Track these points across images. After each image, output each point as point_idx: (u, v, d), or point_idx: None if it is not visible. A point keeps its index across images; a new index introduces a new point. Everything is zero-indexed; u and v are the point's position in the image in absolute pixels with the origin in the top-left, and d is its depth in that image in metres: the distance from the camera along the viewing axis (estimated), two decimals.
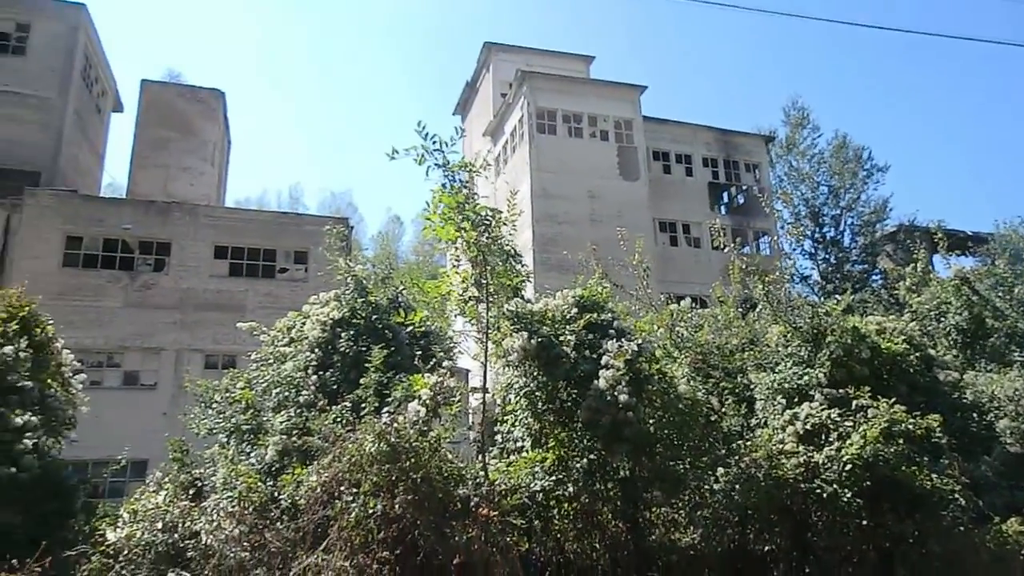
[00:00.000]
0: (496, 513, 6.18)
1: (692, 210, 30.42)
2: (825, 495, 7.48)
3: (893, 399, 7.97)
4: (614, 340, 7.38)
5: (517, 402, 7.66)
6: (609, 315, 7.99)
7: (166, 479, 8.24)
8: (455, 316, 8.61)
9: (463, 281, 7.35)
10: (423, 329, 9.87)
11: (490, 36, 64.13)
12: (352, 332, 9.67)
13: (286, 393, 9.14)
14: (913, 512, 7.60)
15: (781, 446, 8.01)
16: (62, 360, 9.46)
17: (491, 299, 7.34)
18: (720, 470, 7.53)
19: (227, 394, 9.61)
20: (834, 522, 7.67)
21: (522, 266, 8.20)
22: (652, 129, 30.05)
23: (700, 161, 31.69)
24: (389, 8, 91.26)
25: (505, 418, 7.98)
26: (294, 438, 7.86)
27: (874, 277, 37.22)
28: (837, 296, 10.04)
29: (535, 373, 7.45)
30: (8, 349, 8.11)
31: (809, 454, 7.82)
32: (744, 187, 32.79)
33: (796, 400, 8.69)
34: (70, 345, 10.11)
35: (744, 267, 11.44)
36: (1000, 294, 13.31)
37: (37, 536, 6.12)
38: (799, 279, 37.40)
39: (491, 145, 32.17)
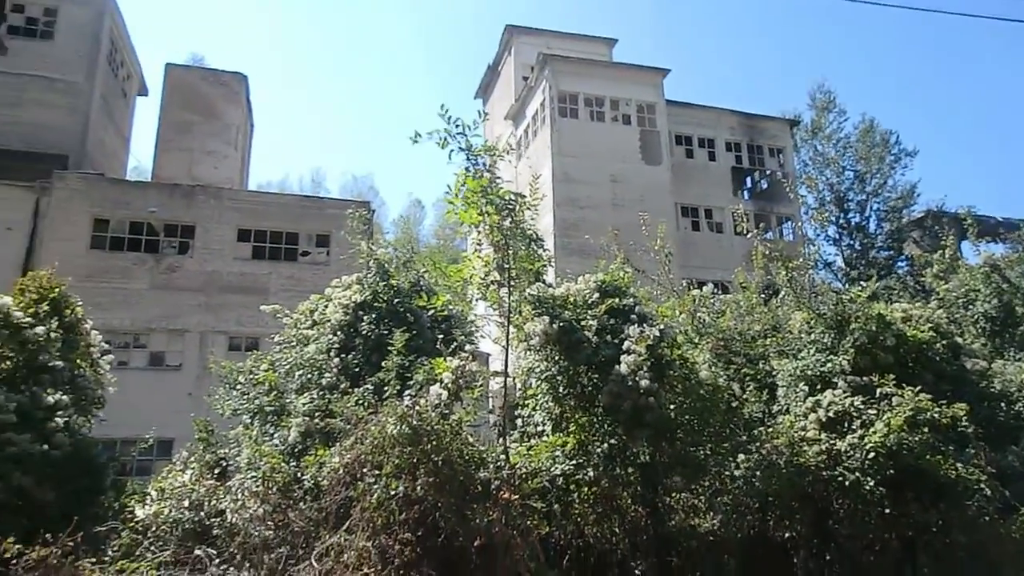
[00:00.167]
0: (517, 496, 6.21)
1: (715, 195, 30.10)
2: (847, 483, 7.41)
3: (918, 387, 7.86)
4: (636, 325, 7.34)
5: (538, 386, 7.67)
6: (631, 300, 7.95)
7: (192, 458, 8.40)
8: (476, 300, 8.61)
9: (485, 265, 7.35)
10: (445, 313, 9.89)
11: (512, 19, 63.60)
12: (374, 315, 9.73)
13: (309, 375, 9.23)
14: (937, 501, 7.53)
15: (803, 433, 7.94)
16: (91, 341, 9.63)
17: (513, 283, 7.33)
18: (741, 456, 7.50)
19: (251, 376, 9.73)
20: (856, 510, 7.60)
21: (544, 250, 8.18)
22: (675, 113, 29.71)
23: (723, 145, 31.32)
24: None
25: (526, 402, 8.00)
26: (317, 420, 7.94)
27: (900, 264, 36.66)
28: (862, 283, 9.90)
29: (556, 357, 7.45)
30: (40, 329, 8.26)
31: (831, 441, 7.75)
32: (768, 172, 32.36)
33: (819, 387, 8.61)
34: (98, 326, 10.29)
35: (767, 253, 11.30)
36: None
37: (69, 512, 6.25)
38: (823, 265, 36.98)
39: (513, 129, 32.01)
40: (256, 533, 6.26)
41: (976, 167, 79.85)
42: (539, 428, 7.79)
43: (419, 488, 5.92)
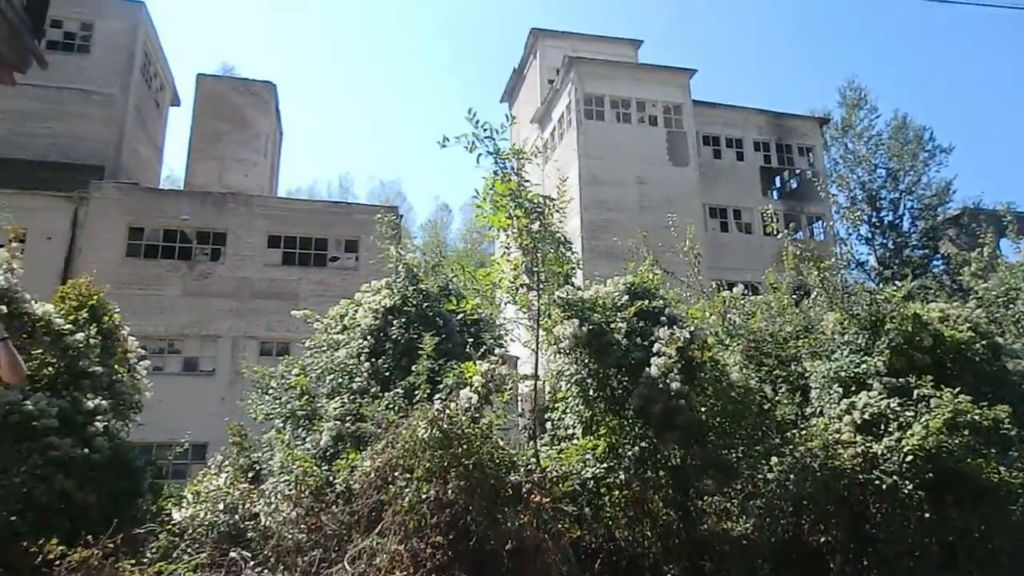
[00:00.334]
0: (548, 500, 6.19)
1: (743, 195, 29.81)
2: (884, 486, 7.25)
3: (957, 389, 7.69)
4: (666, 327, 7.29)
5: (568, 389, 7.64)
6: (660, 302, 7.90)
7: (226, 462, 8.52)
8: (505, 304, 8.62)
9: (514, 268, 7.36)
10: (474, 317, 9.92)
11: (537, 22, 63.67)
12: (403, 320, 9.78)
13: (340, 380, 9.30)
14: (979, 505, 7.33)
15: (838, 435, 7.80)
16: (128, 347, 9.81)
17: (542, 286, 7.33)
18: (774, 459, 7.39)
19: (282, 380, 9.84)
20: (894, 514, 7.44)
21: (572, 253, 8.16)
22: (702, 113, 29.49)
23: (751, 145, 30.99)
24: None
25: (556, 405, 7.98)
26: (348, 424, 7.99)
27: (935, 263, 35.89)
28: (896, 282, 9.72)
29: (586, 360, 7.41)
30: (80, 336, 8.43)
31: (867, 444, 7.59)
32: (797, 171, 31.94)
33: (853, 389, 8.44)
34: (134, 332, 10.47)
35: (798, 253, 11.14)
36: None
37: (109, 514, 6.37)
38: (855, 265, 36.34)
39: (539, 132, 32.02)
40: (289, 536, 6.32)
41: (1015, 162, 77.85)
42: (569, 431, 7.76)
43: (450, 491, 5.93)
